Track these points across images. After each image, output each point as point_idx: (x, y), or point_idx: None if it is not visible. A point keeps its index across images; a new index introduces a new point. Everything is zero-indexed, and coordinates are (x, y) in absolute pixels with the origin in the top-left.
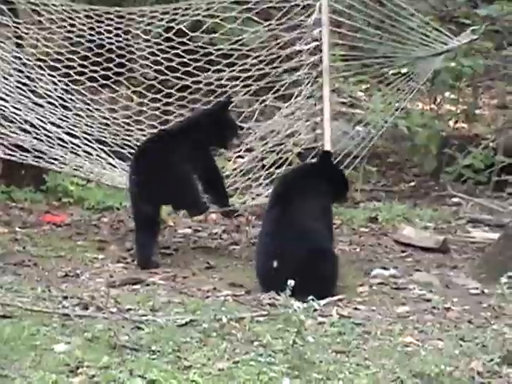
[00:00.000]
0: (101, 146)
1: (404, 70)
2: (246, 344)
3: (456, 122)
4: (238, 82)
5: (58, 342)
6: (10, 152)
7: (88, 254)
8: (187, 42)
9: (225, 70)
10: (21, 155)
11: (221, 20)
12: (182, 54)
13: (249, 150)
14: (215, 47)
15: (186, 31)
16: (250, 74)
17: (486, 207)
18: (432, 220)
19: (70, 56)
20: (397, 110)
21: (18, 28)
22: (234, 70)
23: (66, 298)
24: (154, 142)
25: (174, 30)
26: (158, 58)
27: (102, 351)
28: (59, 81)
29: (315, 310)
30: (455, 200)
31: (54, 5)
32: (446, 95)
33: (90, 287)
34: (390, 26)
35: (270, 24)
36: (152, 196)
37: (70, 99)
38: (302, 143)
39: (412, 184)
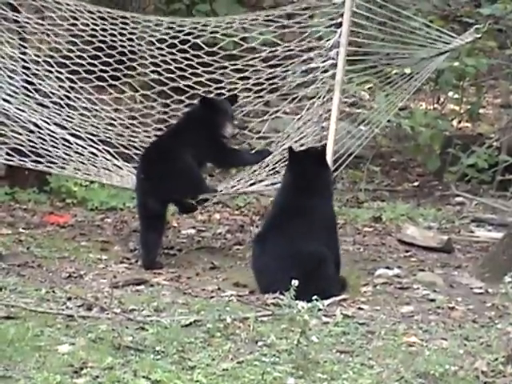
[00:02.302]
0: (106, 148)
1: (407, 70)
2: (250, 344)
3: (459, 121)
4: (250, 94)
5: (62, 343)
6: (8, 157)
7: (92, 255)
8: (202, 55)
9: (237, 83)
10: (19, 160)
11: (240, 39)
12: (196, 66)
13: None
14: (230, 62)
15: (202, 45)
16: (263, 86)
17: (490, 206)
18: (436, 220)
19: (80, 54)
20: (396, 109)
21: (27, 23)
22: (248, 83)
23: (69, 298)
24: (160, 142)
25: (189, 43)
26: (171, 67)
27: (105, 352)
28: (66, 78)
29: (319, 310)
30: (459, 199)
31: (67, 4)
32: (450, 95)
33: (93, 288)
34: (392, 26)
35: (289, 45)
36: (160, 192)
37: (76, 97)
38: (307, 143)
39: (416, 184)
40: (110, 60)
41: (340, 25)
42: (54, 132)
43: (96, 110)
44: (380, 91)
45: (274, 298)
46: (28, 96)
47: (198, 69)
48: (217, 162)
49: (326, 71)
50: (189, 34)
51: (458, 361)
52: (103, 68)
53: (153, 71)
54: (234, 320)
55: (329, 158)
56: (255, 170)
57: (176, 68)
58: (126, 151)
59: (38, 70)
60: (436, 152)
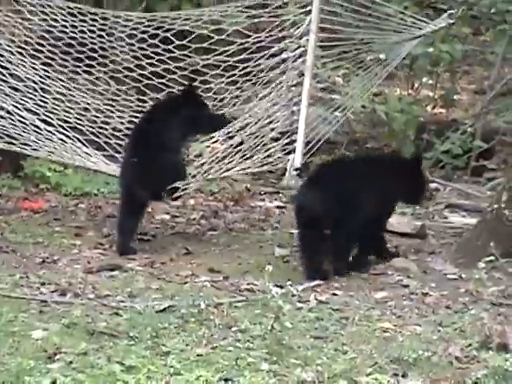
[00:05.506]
0: (76, 135)
1: (382, 56)
2: (224, 329)
3: (434, 107)
4: (223, 79)
5: (36, 329)
6: None
7: (65, 240)
8: (173, 49)
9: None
10: None
11: (210, 31)
12: (168, 62)
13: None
14: (202, 57)
15: (173, 39)
16: (238, 83)
17: (464, 192)
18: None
19: (51, 49)
20: (368, 93)
21: None
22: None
23: (43, 284)
24: (147, 125)
25: (159, 37)
26: (142, 63)
27: (79, 337)
28: (41, 68)
29: (293, 295)
30: (433, 185)
31: None
32: (424, 80)
33: (67, 273)
34: (366, 13)
35: (259, 36)
36: (149, 180)
37: (51, 83)
38: (278, 127)
39: None
40: (82, 56)
41: (310, 12)
42: (24, 118)
43: (71, 95)
44: (354, 76)
45: (248, 284)
46: (1, 80)
47: (170, 64)
48: (207, 129)
49: (296, 60)
50: (159, 28)
51: (432, 346)
52: (76, 63)
53: (125, 67)
54: (208, 306)
55: (300, 143)
56: (225, 157)
57: (147, 64)
58: (97, 139)
59: (11, 57)
60: (410, 138)
